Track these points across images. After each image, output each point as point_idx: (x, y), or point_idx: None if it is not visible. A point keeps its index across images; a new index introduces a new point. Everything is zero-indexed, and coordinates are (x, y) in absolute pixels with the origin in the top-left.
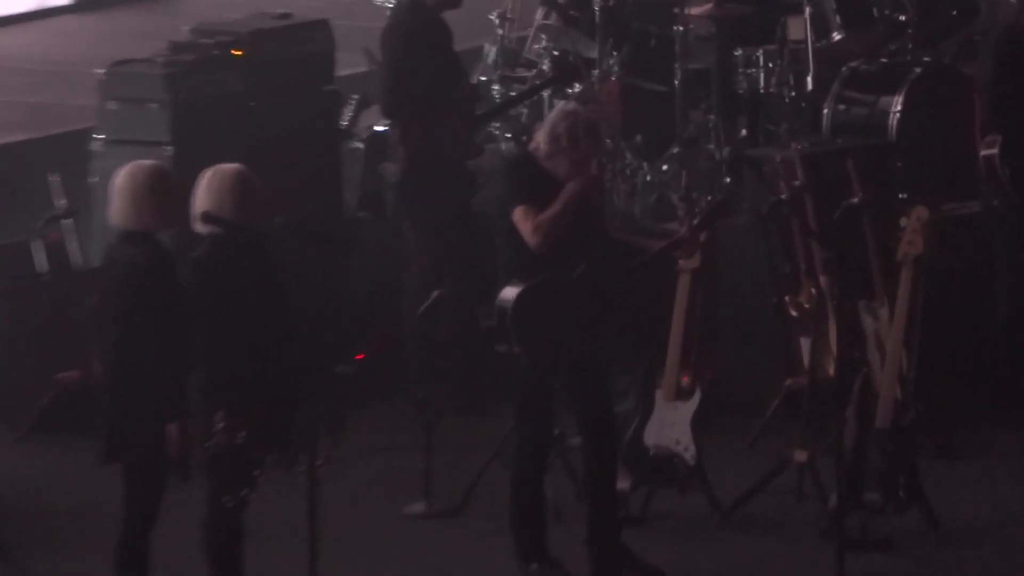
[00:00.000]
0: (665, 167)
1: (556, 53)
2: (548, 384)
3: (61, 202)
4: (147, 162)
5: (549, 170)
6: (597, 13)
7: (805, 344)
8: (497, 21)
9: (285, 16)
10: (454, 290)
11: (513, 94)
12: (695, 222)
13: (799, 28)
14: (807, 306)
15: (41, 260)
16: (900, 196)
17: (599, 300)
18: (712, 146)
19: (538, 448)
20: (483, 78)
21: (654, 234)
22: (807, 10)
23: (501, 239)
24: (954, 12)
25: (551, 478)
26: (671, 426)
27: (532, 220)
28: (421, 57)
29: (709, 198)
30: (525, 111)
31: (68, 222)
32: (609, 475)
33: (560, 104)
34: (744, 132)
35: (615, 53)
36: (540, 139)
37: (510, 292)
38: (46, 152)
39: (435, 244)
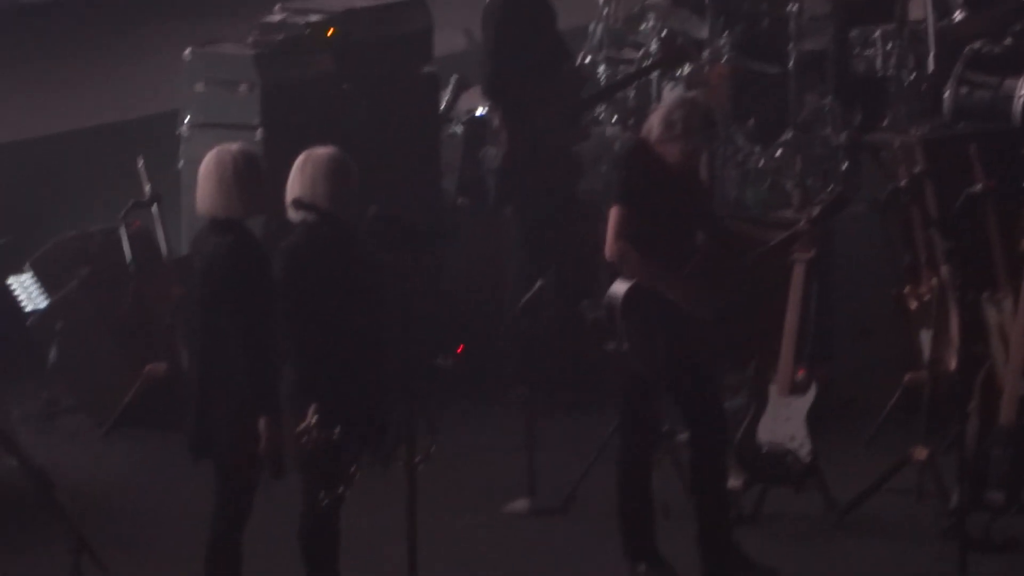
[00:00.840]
0: (778, 152)
1: (664, 34)
2: (656, 381)
3: (146, 188)
4: (234, 146)
5: (660, 156)
6: None
7: (925, 337)
8: (602, 0)
9: None
10: (557, 281)
11: (619, 77)
12: (815, 214)
13: (919, 7)
14: (927, 298)
15: (127, 249)
16: None
17: (710, 295)
18: (827, 131)
19: (645, 446)
20: (588, 59)
21: (768, 223)
22: None
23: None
24: None
25: (659, 475)
26: (785, 422)
27: (621, 232)
28: (524, 37)
29: (829, 188)
30: (632, 94)
31: (153, 209)
32: (720, 473)
33: (672, 88)
34: (861, 116)
35: (726, 34)
36: (654, 122)
37: (619, 288)
38: (135, 135)
39: (538, 232)
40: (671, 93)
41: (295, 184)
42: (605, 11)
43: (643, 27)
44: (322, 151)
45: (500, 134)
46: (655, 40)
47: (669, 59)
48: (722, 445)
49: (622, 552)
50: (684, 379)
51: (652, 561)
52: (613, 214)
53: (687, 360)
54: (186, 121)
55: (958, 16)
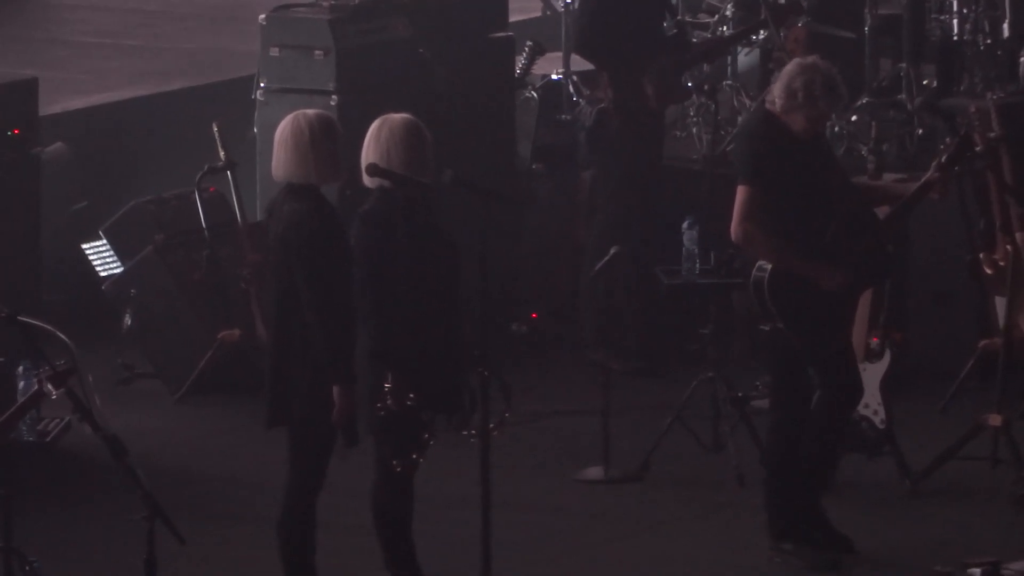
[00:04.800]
0: (854, 117)
1: None
2: (812, 356)
3: (221, 154)
4: (311, 111)
5: (787, 126)
6: None
7: (1000, 303)
8: None
9: None
10: (637, 245)
11: (719, 34)
12: (943, 159)
13: None
14: (1002, 264)
15: (202, 215)
16: None
17: (854, 261)
18: (903, 96)
19: (797, 423)
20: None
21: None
22: None
23: None
24: None
25: (735, 442)
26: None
27: (749, 214)
28: None
29: (948, 139)
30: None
31: (228, 174)
32: (835, 443)
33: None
34: (936, 81)
35: None
36: (776, 93)
37: (766, 263)
38: (209, 100)
39: (629, 193)
40: (745, 58)
41: (370, 150)
42: None
43: None
44: (397, 117)
45: (606, 92)
46: (731, 4)
47: (778, 15)
48: (850, 415)
49: (768, 530)
50: (831, 347)
51: (798, 540)
52: (741, 193)
53: (837, 329)
54: (261, 86)
55: None
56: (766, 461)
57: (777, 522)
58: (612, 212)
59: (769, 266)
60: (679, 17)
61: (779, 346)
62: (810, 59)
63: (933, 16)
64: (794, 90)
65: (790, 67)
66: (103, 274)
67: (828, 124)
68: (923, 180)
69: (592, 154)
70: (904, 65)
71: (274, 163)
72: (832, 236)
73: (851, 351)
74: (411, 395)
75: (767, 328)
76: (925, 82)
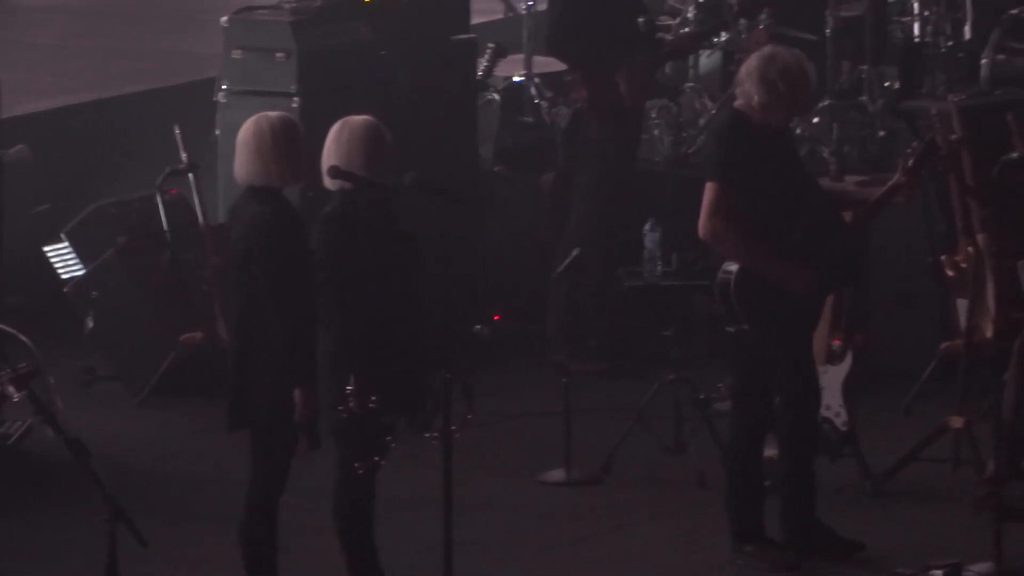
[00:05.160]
0: (816, 119)
1: None
2: (778, 358)
3: (183, 156)
4: (273, 114)
5: (763, 125)
6: None
7: (962, 305)
8: None
9: None
10: (611, 245)
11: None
12: (909, 163)
13: None
14: (964, 266)
15: (164, 217)
16: None
17: (823, 261)
18: (864, 98)
19: (759, 425)
20: None
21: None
22: None
23: None
24: None
25: (696, 444)
26: (822, 391)
27: (717, 211)
28: None
29: (915, 143)
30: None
31: (190, 177)
32: (812, 445)
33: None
34: (898, 83)
35: None
36: (750, 91)
37: (730, 269)
38: (171, 102)
39: (606, 193)
40: (707, 60)
41: (331, 152)
42: None
43: None
44: (358, 119)
45: (578, 92)
46: (692, 6)
47: (747, 10)
48: (815, 419)
49: (730, 533)
50: (797, 349)
51: (760, 542)
52: (709, 190)
53: (803, 331)
54: (223, 88)
55: None
56: (727, 462)
57: (738, 523)
58: (588, 212)
59: (735, 267)
60: (648, 16)
61: (744, 348)
62: (769, 48)
63: (895, 18)
64: (772, 80)
65: (754, 61)
66: (65, 276)
67: (791, 127)
68: (889, 184)
69: (568, 154)
70: (866, 67)
71: (236, 165)
72: (800, 237)
73: (811, 353)
74: (373, 397)
75: (732, 330)
76: (887, 84)
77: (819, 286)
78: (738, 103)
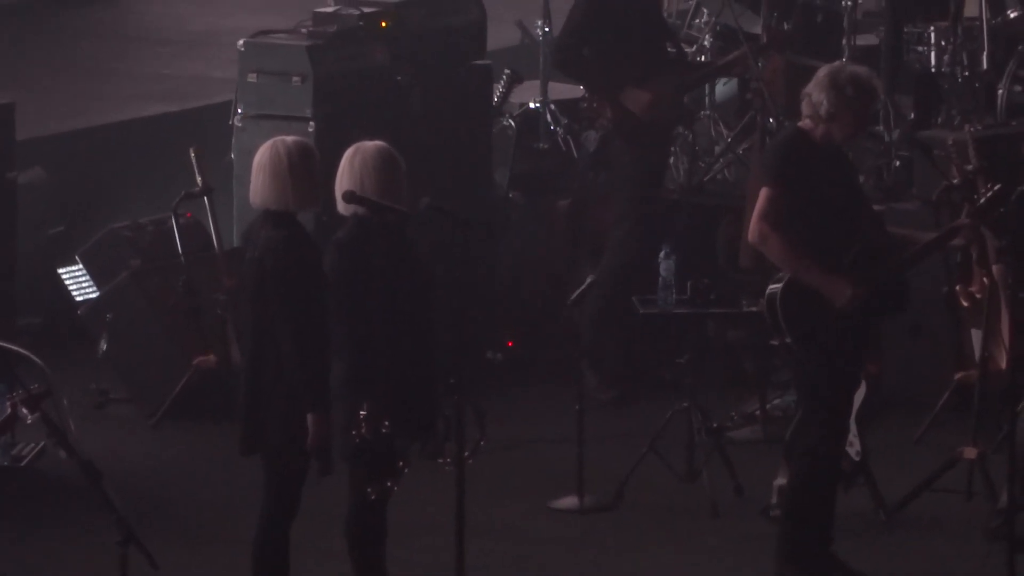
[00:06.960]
0: None
1: (764, 21)
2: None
3: (198, 179)
4: (289, 138)
5: (823, 144)
6: None
7: (976, 336)
8: None
9: None
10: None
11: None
12: (977, 207)
13: (974, 4)
14: (979, 296)
15: (178, 240)
16: None
17: (871, 287)
18: (880, 127)
19: (841, 440)
20: None
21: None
22: None
23: None
24: None
25: (709, 472)
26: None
27: (767, 215)
28: (625, 16)
29: (988, 185)
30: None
31: (205, 200)
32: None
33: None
34: (914, 113)
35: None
36: (819, 99)
37: (777, 280)
38: (186, 126)
39: (636, 214)
40: (723, 88)
41: (345, 177)
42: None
43: (696, 21)
44: (370, 145)
45: (604, 114)
46: (708, 34)
47: (775, 44)
48: (836, 445)
49: (787, 557)
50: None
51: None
52: (762, 194)
53: (843, 353)
54: (239, 112)
55: (1012, 13)
56: (802, 482)
57: (801, 546)
58: (623, 235)
59: (782, 282)
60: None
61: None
62: (838, 62)
63: (911, 48)
64: (841, 85)
65: (823, 71)
66: (79, 299)
67: None
68: (953, 224)
69: (592, 179)
70: (882, 97)
71: (251, 189)
72: (853, 258)
73: (855, 385)
74: (386, 422)
75: (777, 343)
76: (903, 114)
77: (864, 307)
78: (802, 122)
